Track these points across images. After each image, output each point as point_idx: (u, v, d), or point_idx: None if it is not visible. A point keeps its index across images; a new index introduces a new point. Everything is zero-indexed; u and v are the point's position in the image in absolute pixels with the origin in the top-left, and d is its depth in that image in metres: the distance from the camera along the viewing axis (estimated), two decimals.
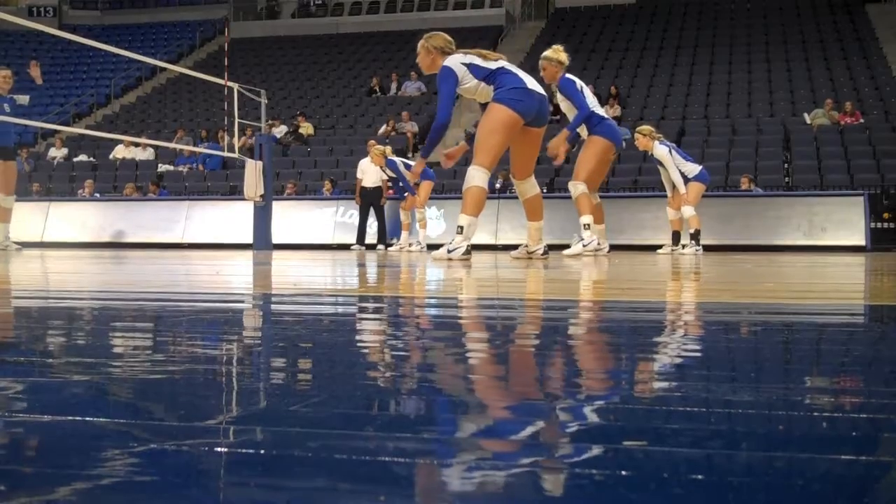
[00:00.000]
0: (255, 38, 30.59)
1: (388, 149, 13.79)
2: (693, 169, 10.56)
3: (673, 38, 25.69)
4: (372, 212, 14.31)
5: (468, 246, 6.31)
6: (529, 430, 0.84)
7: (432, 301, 2.82)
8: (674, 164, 10.43)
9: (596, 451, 0.74)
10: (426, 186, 13.12)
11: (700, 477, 0.66)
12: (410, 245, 13.40)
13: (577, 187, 8.56)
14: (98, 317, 2.16)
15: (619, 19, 28.29)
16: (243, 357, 1.41)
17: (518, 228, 14.63)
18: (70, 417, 0.87)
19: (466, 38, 28.61)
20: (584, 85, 8.53)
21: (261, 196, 12.74)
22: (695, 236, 10.74)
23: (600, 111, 8.57)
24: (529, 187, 6.82)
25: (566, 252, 8.51)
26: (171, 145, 17.96)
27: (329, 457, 0.71)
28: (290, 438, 0.78)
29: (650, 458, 0.72)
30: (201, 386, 1.10)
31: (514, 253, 7.10)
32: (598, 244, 8.49)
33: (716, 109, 20.95)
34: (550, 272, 4.93)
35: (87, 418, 0.86)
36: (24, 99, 10.58)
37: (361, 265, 6.23)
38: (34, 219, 15.47)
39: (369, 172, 14.13)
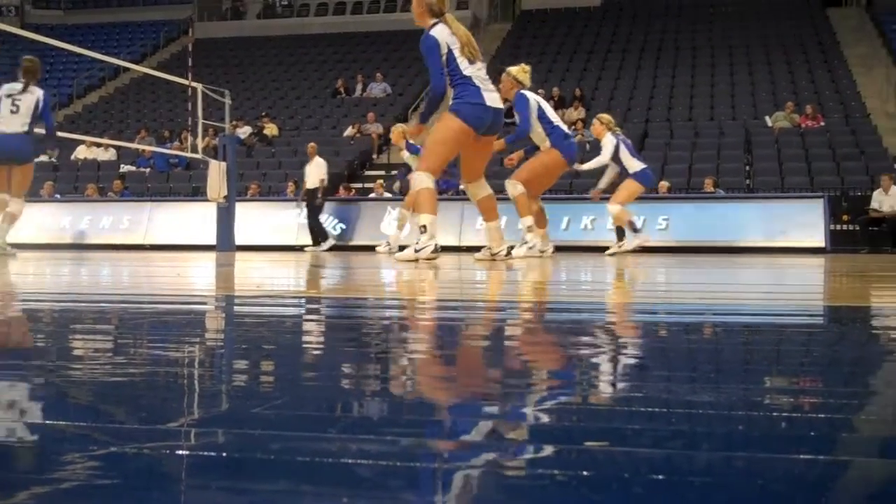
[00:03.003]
0: (219, 39, 30.39)
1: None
2: (635, 166, 10.40)
3: (637, 41, 25.86)
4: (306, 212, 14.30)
5: (436, 244, 6.29)
6: (487, 429, 0.84)
7: (393, 303, 2.82)
8: (610, 152, 10.37)
9: (556, 451, 0.75)
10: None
11: (660, 477, 0.66)
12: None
13: (515, 187, 8.59)
14: (58, 319, 2.14)
15: (585, 22, 28.44)
16: (205, 359, 1.41)
17: (482, 230, 14.66)
18: (31, 421, 0.86)
19: None
20: (541, 103, 8.71)
21: (224, 197, 12.66)
22: (621, 232, 10.80)
23: (565, 128, 8.76)
24: (480, 189, 6.83)
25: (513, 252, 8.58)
26: (134, 146, 17.80)
27: (292, 459, 0.71)
28: (252, 441, 0.78)
29: (611, 458, 0.73)
30: (163, 389, 1.10)
31: (477, 255, 7.07)
32: (541, 248, 8.60)
33: (678, 112, 21.11)
34: (512, 273, 4.94)
35: (48, 421, 0.86)
36: None
37: (321, 266, 6.21)
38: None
39: (310, 175, 14.18)
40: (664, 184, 15.17)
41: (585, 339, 1.71)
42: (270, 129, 21.41)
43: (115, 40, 31.54)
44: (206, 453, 0.74)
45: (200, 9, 32.69)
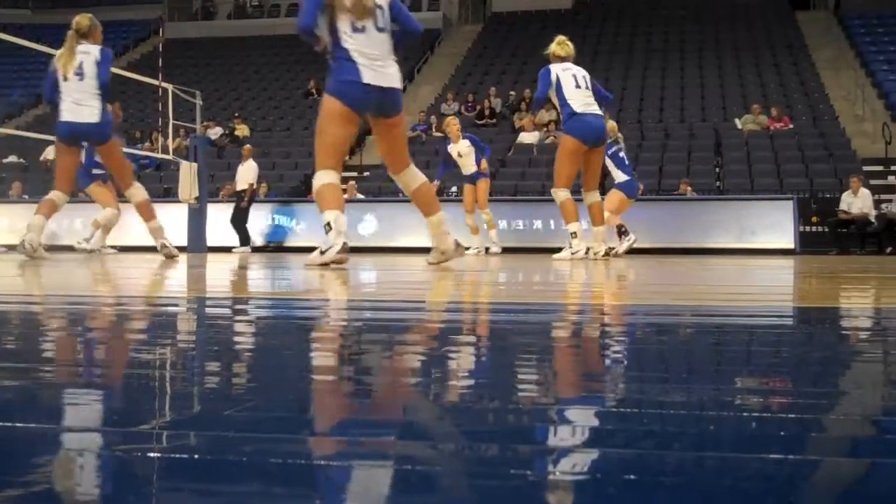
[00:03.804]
0: (190, 39, 30.24)
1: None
2: (620, 177, 10.76)
3: (607, 43, 25.98)
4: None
5: (344, 243, 5.47)
6: (460, 431, 0.85)
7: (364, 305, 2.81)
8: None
9: (528, 452, 0.75)
10: (487, 185, 12.64)
11: (632, 477, 0.67)
12: (478, 250, 12.75)
13: (556, 194, 8.46)
14: (28, 321, 2.12)
15: (555, 24, 28.44)
16: (177, 361, 1.40)
17: (455, 231, 14.68)
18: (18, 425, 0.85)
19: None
20: (562, 78, 8.41)
21: (195, 198, 12.60)
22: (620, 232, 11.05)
23: (578, 105, 8.32)
24: (410, 179, 5.91)
25: (555, 256, 8.61)
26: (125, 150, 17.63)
27: (264, 461, 0.70)
28: (224, 443, 0.78)
29: (583, 458, 0.73)
30: (134, 390, 1.09)
31: (429, 258, 6.09)
32: (587, 250, 8.42)
33: (649, 114, 21.22)
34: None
35: (17, 424, 0.85)
36: None
37: (285, 268, 6.19)
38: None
39: (241, 177, 14.22)
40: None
41: (539, 340, 1.72)
42: (242, 130, 21.32)
43: None
44: (177, 455, 0.74)
45: (171, 9, 32.51)
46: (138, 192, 8.37)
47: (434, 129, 21.53)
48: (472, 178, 12.47)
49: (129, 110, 24.39)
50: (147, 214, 8.38)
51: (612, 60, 24.71)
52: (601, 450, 0.76)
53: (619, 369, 1.32)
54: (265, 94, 25.59)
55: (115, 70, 15.47)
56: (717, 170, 18.00)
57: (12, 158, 20.90)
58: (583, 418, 0.91)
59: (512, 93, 23.00)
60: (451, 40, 29.56)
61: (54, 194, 7.85)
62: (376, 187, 18.14)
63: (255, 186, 14.38)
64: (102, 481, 0.66)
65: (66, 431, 0.83)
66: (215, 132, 20.83)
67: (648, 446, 0.78)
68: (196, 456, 0.73)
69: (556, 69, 8.46)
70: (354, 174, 19.49)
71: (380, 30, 5.50)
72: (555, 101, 8.46)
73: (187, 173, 12.50)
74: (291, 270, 5.78)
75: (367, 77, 5.41)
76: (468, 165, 12.40)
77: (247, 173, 14.24)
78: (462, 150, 12.45)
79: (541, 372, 1.27)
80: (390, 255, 11.86)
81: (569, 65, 8.54)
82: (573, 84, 8.41)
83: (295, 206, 15.67)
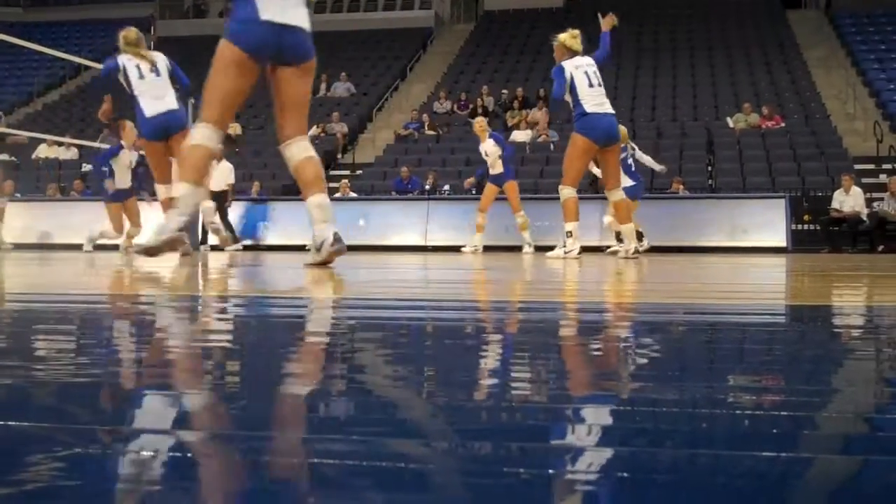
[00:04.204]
0: (181, 37, 30.17)
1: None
2: (624, 181, 10.77)
3: (597, 41, 25.98)
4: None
5: (179, 228, 4.76)
6: (451, 428, 0.84)
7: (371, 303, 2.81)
8: None
9: (521, 450, 0.75)
10: (516, 186, 12.58)
11: (625, 475, 0.67)
12: (475, 248, 12.64)
13: (562, 192, 8.41)
14: (21, 319, 2.11)
15: (547, 22, 28.51)
16: (168, 359, 1.40)
17: (447, 229, 14.69)
18: None
19: (395, 40, 28.71)
20: (576, 75, 8.35)
21: None
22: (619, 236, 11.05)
23: (590, 104, 8.29)
24: (300, 149, 5.04)
25: (548, 254, 8.59)
26: (96, 145, 17.59)
27: (258, 459, 0.70)
28: (218, 442, 0.78)
29: (575, 456, 0.73)
30: (126, 389, 1.09)
31: (308, 260, 5.04)
32: (630, 250, 8.36)
33: (641, 112, 21.26)
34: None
35: (10, 422, 0.85)
36: None
37: (258, 266, 6.18)
38: None
39: (214, 178, 14.21)
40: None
41: (534, 340, 1.72)
42: (234, 129, 21.27)
43: (76, 38, 31.22)
44: (171, 454, 0.74)
45: (162, 7, 32.47)
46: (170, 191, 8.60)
47: (426, 128, 21.54)
48: (499, 179, 12.46)
49: (122, 108, 24.33)
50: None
51: None
52: (595, 448, 0.76)
53: (611, 368, 1.32)
54: (256, 92, 25.55)
55: None
56: (710, 168, 18.04)
57: (4, 156, 20.86)
58: (575, 417, 0.91)
59: (504, 91, 23.02)
60: (444, 39, 29.57)
61: (163, 189, 8.25)
62: (369, 185, 18.13)
63: (232, 187, 14.41)
64: (96, 479, 0.66)
65: (57, 430, 0.83)
66: None
67: (641, 444, 0.78)
68: (188, 454, 0.73)
69: (569, 67, 8.38)
70: (347, 173, 19.48)
71: None
72: (567, 98, 8.40)
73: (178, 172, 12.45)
74: (278, 270, 5.77)
75: (266, 13, 4.67)
76: (495, 165, 12.44)
77: (222, 174, 14.22)
78: (489, 150, 12.51)
79: (532, 371, 1.27)
80: (382, 253, 11.85)
81: (579, 60, 8.50)
82: (587, 83, 8.37)
83: (284, 205, 15.65)
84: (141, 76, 7.98)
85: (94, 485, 0.65)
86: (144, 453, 0.74)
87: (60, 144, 20.02)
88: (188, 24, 31.95)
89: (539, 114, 20.54)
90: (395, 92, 25.69)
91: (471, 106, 22.43)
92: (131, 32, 8.24)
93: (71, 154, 20.50)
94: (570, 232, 8.35)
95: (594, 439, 0.81)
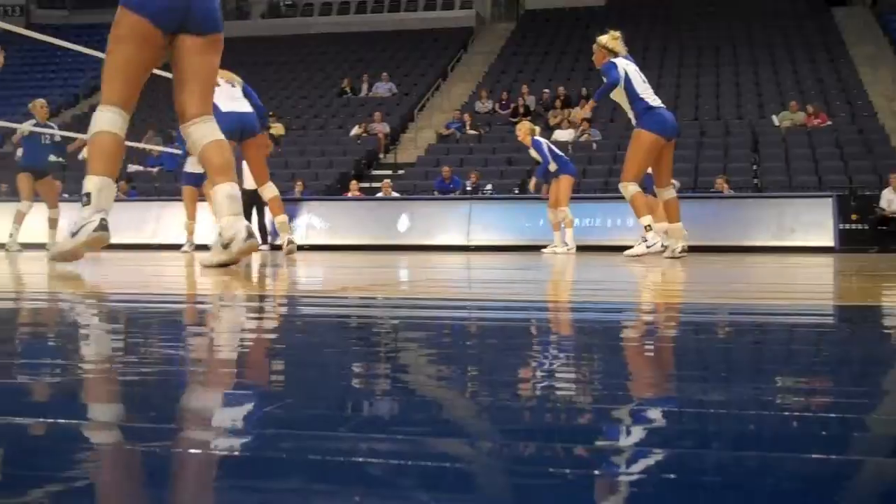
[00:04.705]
0: (224, 39, 30.38)
1: (537, 128, 13.27)
2: None
3: (641, 40, 25.80)
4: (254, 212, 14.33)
5: (102, 220, 4.33)
6: (499, 427, 0.84)
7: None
8: None
9: (569, 452, 0.75)
10: (566, 182, 12.54)
11: (672, 476, 0.66)
12: (556, 248, 12.55)
13: (626, 189, 8.22)
14: (69, 318, 2.14)
15: (589, 21, 28.44)
16: (218, 359, 1.41)
17: (490, 229, 14.69)
18: (42, 419, 0.86)
19: (436, 40, 28.75)
20: (630, 72, 8.23)
21: None
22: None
23: (651, 99, 8.20)
24: (204, 130, 4.45)
25: (627, 252, 8.44)
26: (141, 145, 17.80)
27: (303, 458, 0.71)
28: (264, 440, 0.78)
29: (624, 457, 0.73)
30: (174, 387, 1.10)
31: (208, 260, 4.59)
32: (663, 245, 8.19)
33: (684, 111, 21.11)
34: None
35: (60, 420, 0.86)
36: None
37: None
38: (1, 220, 15.29)
39: (247, 176, 14.22)
40: (673, 182, 15.16)
41: (590, 340, 1.71)
42: (277, 129, 21.35)
43: None
44: (217, 452, 0.74)
45: None
46: (271, 189, 8.97)
47: (468, 127, 21.54)
48: (556, 174, 12.40)
49: (166, 109, 24.59)
50: (276, 210, 9.01)
51: (647, 58, 24.58)
52: (639, 449, 0.76)
53: (657, 368, 1.31)
54: (299, 92, 25.72)
55: (154, 71, 15.68)
56: (755, 167, 17.87)
57: (51, 157, 21.10)
58: (620, 417, 0.90)
59: (546, 90, 22.95)
60: (485, 38, 29.56)
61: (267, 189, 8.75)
62: (411, 185, 18.17)
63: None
64: (143, 477, 0.66)
65: (108, 427, 0.84)
66: None
67: (687, 445, 0.77)
68: (236, 453, 0.74)
69: (621, 63, 8.24)
70: (389, 172, 19.54)
71: None
72: (618, 97, 8.23)
73: None
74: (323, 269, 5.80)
75: None
76: (551, 163, 12.42)
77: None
78: (534, 154, 12.57)
79: (579, 372, 1.27)
80: (425, 252, 11.86)
81: (626, 60, 8.37)
82: (640, 79, 8.27)
83: (329, 204, 15.71)
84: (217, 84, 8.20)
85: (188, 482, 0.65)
86: (191, 451, 0.74)
87: None
88: (231, 26, 31.93)
89: (581, 112, 20.49)
90: (437, 91, 25.72)
91: (512, 105, 22.40)
92: None
93: None
94: (649, 226, 8.18)
95: (638, 440, 0.80)
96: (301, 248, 14.74)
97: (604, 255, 10.05)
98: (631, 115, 8.26)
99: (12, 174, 13.76)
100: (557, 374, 1.22)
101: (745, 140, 18.79)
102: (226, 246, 4.33)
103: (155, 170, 19.86)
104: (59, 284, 3.46)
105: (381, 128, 21.70)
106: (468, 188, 16.86)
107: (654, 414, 0.92)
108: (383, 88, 24.66)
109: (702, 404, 0.95)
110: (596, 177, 17.53)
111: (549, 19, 29.24)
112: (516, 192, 17.04)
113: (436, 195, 16.69)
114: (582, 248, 12.31)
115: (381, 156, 21.40)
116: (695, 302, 2.78)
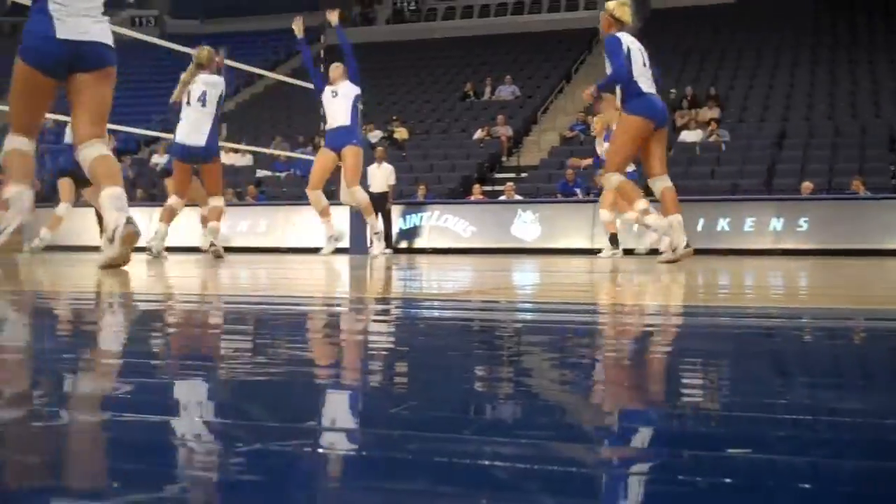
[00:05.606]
0: (353, 45, 30.88)
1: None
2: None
3: (772, 38, 25.13)
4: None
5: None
6: (614, 437, 0.83)
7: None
8: None
9: (696, 458, 0.73)
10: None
11: (807, 486, 0.65)
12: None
13: (609, 180, 7.61)
14: (199, 319, 2.21)
15: (717, 20, 27.86)
16: (343, 361, 1.43)
17: (621, 232, 14.51)
18: (176, 418, 0.89)
19: (560, 41, 28.61)
20: (633, 50, 7.49)
21: None
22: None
23: (645, 85, 7.48)
24: (91, 151, 4.78)
25: (659, 259, 7.68)
26: (270, 151, 18.26)
27: (429, 460, 0.71)
28: (390, 441, 0.79)
29: (753, 465, 0.71)
30: (302, 388, 1.12)
31: (102, 259, 4.74)
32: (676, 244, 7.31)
33: (819, 110, 20.47)
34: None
35: (195, 418, 0.89)
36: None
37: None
38: (141, 224, 15.85)
39: (375, 178, 14.23)
40: (807, 184, 14.73)
41: (711, 346, 1.68)
42: (400, 133, 21.68)
43: (250, 48, 32.37)
44: (344, 452, 0.76)
45: None
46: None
47: (592, 130, 21.36)
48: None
49: (293, 115, 25.16)
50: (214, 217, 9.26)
51: (779, 57, 23.97)
52: (771, 457, 0.74)
53: (789, 374, 1.28)
54: (423, 97, 25.95)
55: (278, 76, 15.93)
56: (892, 167, 17.21)
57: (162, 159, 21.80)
58: (748, 424, 0.88)
59: (673, 90, 22.58)
60: None
61: (173, 200, 8.99)
62: (535, 188, 18.12)
63: (393, 188, 14.70)
64: (272, 475, 0.68)
65: (240, 427, 0.86)
66: (375, 135, 21.23)
67: (820, 454, 0.75)
68: (364, 453, 0.75)
69: (626, 40, 7.52)
70: (512, 175, 19.54)
71: None
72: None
73: None
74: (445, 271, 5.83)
75: (63, 31, 4.57)
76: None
77: (384, 175, 14.46)
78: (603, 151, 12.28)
79: (704, 377, 1.24)
80: (551, 256, 11.81)
81: (630, 37, 7.67)
82: (641, 61, 7.55)
83: (459, 207, 15.76)
84: (188, 103, 8.53)
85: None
86: (319, 451, 0.76)
87: (236, 151, 20.81)
88: (356, 33, 32.65)
89: (710, 113, 20.09)
90: (560, 94, 25.58)
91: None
92: (203, 52, 8.62)
93: (246, 161, 21.29)
94: (646, 210, 7.43)
95: (771, 448, 0.79)
96: (424, 251, 14.87)
97: (731, 259, 9.82)
98: (618, 95, 7.53)
99: (150, 180, 14.18)
100: (685, 381, 1.21)
101: (882, 140, 18.11)
102: (111, 240, 4.53)
103: (283, 175, 20.30)
104: (213, 287, 3.56)
105: (504, 131, 21.70)
106: (592, 191, 16.72)
107: (784, 422, 0.89)
108: (506, 91, 24.66)
109: (833, 412, 0.92)
110: (725, 178, 17.14)
111: (677, 18, 28.76)
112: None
113: (559, 198, 16.60)
114: (705, 252, 12.05)
115: (504, 159, 21.39)
116: (825, 307, 2.70)
